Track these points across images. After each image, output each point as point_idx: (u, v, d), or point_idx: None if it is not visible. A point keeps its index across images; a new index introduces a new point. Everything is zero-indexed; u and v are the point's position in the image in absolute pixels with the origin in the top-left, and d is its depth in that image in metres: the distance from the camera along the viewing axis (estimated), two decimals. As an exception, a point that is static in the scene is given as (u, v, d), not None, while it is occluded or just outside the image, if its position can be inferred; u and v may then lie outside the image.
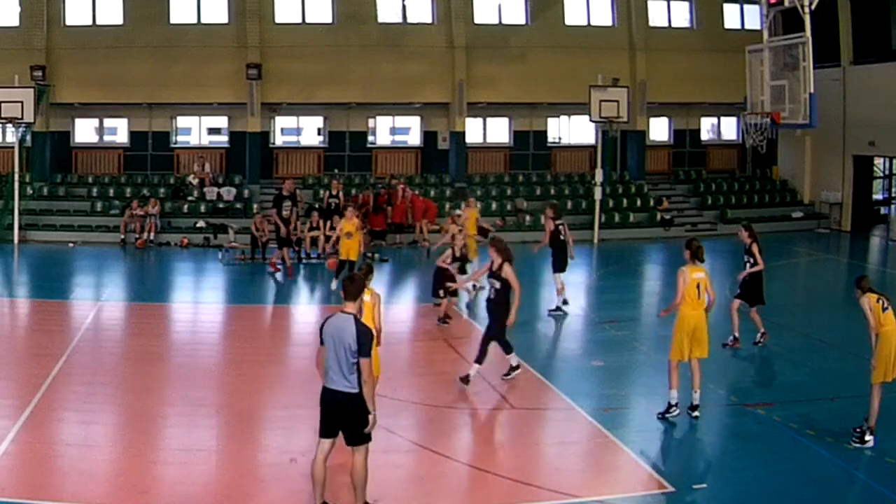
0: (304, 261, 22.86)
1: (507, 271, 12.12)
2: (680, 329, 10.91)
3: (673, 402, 10.93)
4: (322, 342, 8.05)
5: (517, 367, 12.42)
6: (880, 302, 10.18)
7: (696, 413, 10.92)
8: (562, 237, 17.07)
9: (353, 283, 8.27)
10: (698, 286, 10.91)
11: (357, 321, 7.97)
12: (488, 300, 12.48)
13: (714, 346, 14.40)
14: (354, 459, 8.09)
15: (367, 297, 9.74)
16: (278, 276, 21.24)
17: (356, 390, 7.86)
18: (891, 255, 27.10)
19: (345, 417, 7.95)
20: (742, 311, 14.42)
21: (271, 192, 28.21)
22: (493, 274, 12.26)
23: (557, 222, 17.11)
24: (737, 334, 14.29)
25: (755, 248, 14.26)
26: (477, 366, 12.19)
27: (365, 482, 8.14)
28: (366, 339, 7.86)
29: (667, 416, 10.93)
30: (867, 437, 10.07)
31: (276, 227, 22.05)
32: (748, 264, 14.37)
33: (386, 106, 30.54)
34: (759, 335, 14.31)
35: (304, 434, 9.68)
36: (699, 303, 10.92)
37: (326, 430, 8.07)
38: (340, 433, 8.08)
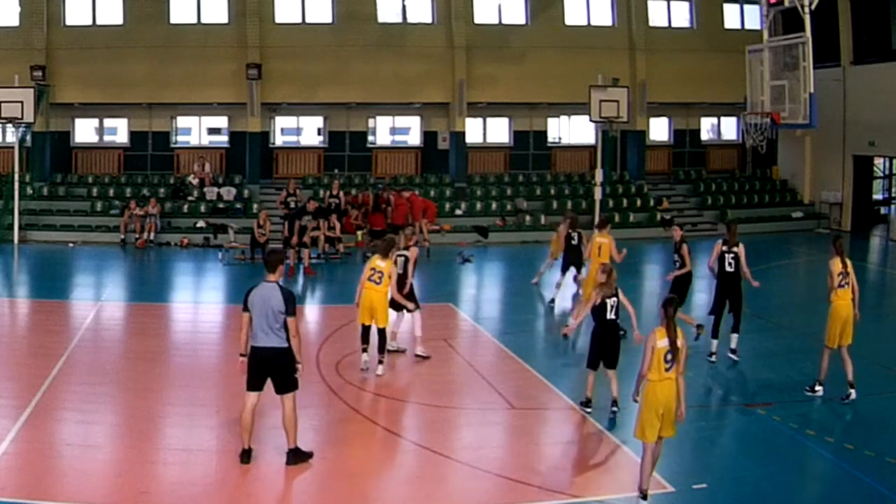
0: (313, 261, 22.82)
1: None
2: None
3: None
4: (246, 309, 9.08)
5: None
6: (840, 275, 11.70)
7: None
8: (573, 242, 17.82)
9: (273, 255, 9.46)
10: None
11: (281, 287, 9.08)
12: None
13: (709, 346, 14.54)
14: (285, 406, 9.16)
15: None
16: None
17: (285, 345, 9.03)
18: (891, 255, 27.08)
19: (274, 369, 9.07)
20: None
21: (271, 192, 28.30)
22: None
23: (573, 232, 17.88)
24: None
25: (684, 250, 14.32)
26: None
27: (295, 426, 9.21)
28: (291, 300, 9.02)
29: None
30: (818, 388, 11.76)
31: (289, 232, 21.92)
32: (676, 264, 14.48)
33: (386, 106, 30.54)
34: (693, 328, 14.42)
35: (304, 434, 9.67)
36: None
37: (254, 384, 9.15)
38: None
